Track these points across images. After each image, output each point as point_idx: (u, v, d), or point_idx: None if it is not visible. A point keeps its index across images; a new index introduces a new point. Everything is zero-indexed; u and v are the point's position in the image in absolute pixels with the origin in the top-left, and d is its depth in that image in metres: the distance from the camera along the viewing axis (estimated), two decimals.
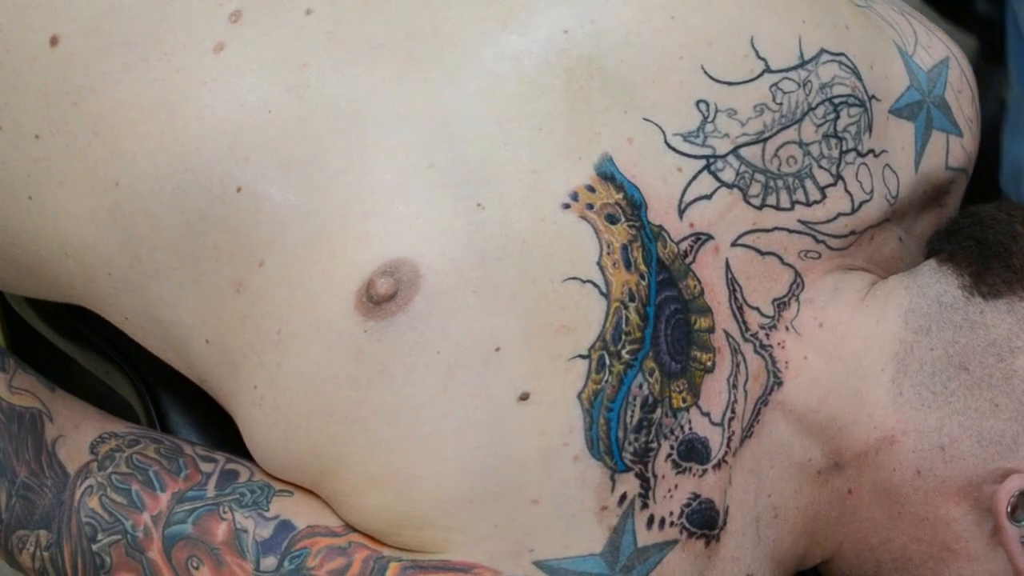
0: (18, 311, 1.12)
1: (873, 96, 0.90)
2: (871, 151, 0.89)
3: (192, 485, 0.86)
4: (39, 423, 0.91)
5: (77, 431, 0.91)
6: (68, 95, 0.84)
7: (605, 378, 0.80)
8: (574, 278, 0.81)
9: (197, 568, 0.84)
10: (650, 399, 0.82)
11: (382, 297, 0.79)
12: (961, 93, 0.95)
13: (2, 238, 0.90)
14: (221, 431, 0.89)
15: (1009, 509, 0.82)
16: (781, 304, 0.87)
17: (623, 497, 0.80)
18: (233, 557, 0.83)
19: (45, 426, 0.91)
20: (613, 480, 0.80)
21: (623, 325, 0.81)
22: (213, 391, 0.89)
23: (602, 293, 0.81)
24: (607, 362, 0.80)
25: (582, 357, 0.80)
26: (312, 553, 0.82)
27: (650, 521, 0.82)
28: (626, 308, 0.81)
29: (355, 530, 0.83)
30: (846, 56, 0.88)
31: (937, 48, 0.94)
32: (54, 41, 0.85)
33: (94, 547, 0.86)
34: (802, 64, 0.87)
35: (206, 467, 0.87)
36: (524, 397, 0.79)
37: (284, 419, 0.83)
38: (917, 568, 0.87)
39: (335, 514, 0.84)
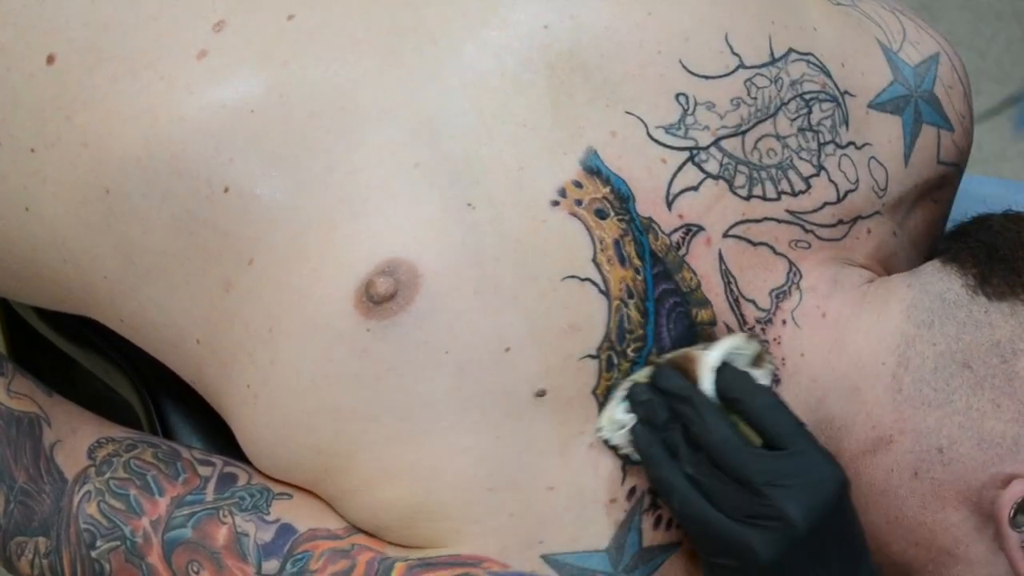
0: (19, 312, 1.12)
1: (846, 92, 0.90)
2: (851, 143, 0.89)
3: (191, 489, 0.86)
4: (37, 428, 0.91)
5: (75, 436, 0.92)
6: (62, 109, 0.85)
7: (615, 376, 0.81)
8: (572, 276, 0.81)
9: (198, 572, 0.84)
10: None
11: (383, 297, 0.80)
12: (952, 88, 0.95)
13: (1, 248, 0.90)
14: (222, 432, 0.89)
15: (1011, 514, 0.81)
16: (780, 294, 0.87)
17: (632, 491, 0.81)
18: (234, 561, 0.83)
19: (43, 431, 0.91)
20: (624, 471, 0.81)
21: (625, 323, 0.81)
22: (206, 392, 0.89)
23: (601, 291, 0.81)
24: (615, 361, 0.81)
25: (592, 357, 0.81)
26: (315, 556, 0.82)
27: (658, 521, 0.82)
28: (626, 306, 0.82)
29: (358, 531, 0.83)
30: (814, 55, 0.89)
31: (927, 44, 0.94)
32: (51, 59, 0.86)
33: (93, 554, 0.86)
34: (772, 62, 0.87)
35: (204, 471, 0.88)
36: (541, 394, 0.80)
37: (281, 417, 0.83)
38: (917, 572, 0.86)
39: (336, 516, 0.84)
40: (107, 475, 0.88)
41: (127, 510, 0.86)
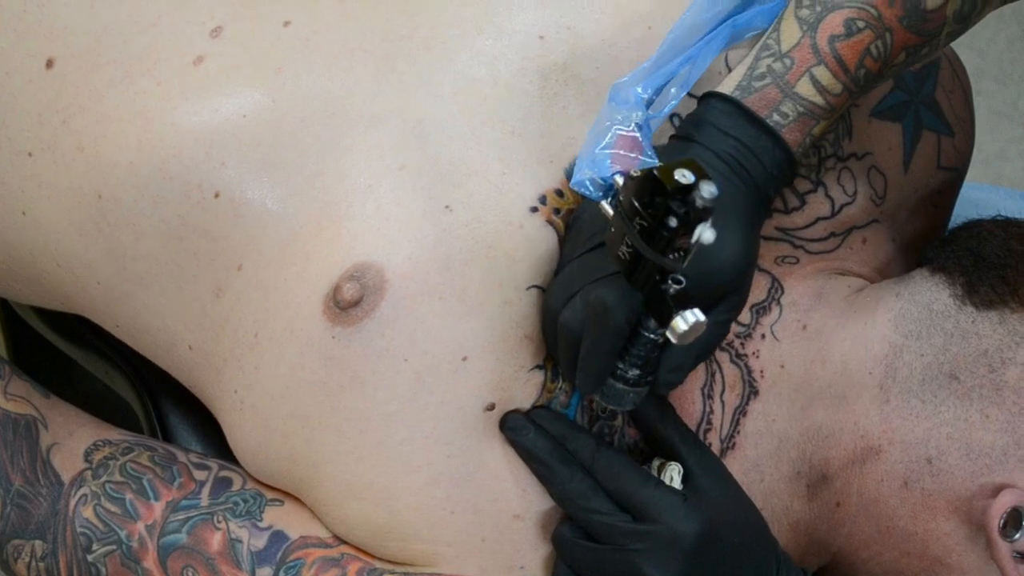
0: (20, 313, 1.13)
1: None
2: (852, 155, 0.89)
3: (186, 494, 0.86)
4: (34, 430, 0.91)
5: (71, 438, 0.92)
6: (58, 114, 0.86)
7: (559, 385, 0.81)
8: (536, 286, 0.81)
9: None
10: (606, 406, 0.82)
11: (348, 303, 0.79)
12: (952, 93, 0.94)
13: (0, 251, 0.90)
14: (220, 433, 0.89)
15: (1001, 524, 0.81)
16: (760, 310, 0.87)
17: None
18: (228, 567, 0.83)
19: (40, 433, 0.91)
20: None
21: None
22: (200, 396, 0.90)
23: None
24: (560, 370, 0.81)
25: (539, 368, 0.81)
26: (307, 564, 0.82)
27: None
28: None
29: (345, 541, 0.83)
30: None
31: None
32: (49, 64, 0.86)
33: (89, 557, 0.86)
34: None
35: (199, 475, 0.88)
36: (490, 408, 0.80)
37: (263, 423, 0.83)
38: None
39: (323, 525, 0.84)
40: (103, 478, 0.88)
41: (123, 514, 0.86)
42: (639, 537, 0.77)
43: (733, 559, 0.79)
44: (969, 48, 2.19)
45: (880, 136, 0.91)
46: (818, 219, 0.88)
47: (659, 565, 0.76)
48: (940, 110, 0.93)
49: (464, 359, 0.79)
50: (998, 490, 0.81)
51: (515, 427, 0.80)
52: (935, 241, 0.92)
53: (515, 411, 0.81)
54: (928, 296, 0.87)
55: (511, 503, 0.80)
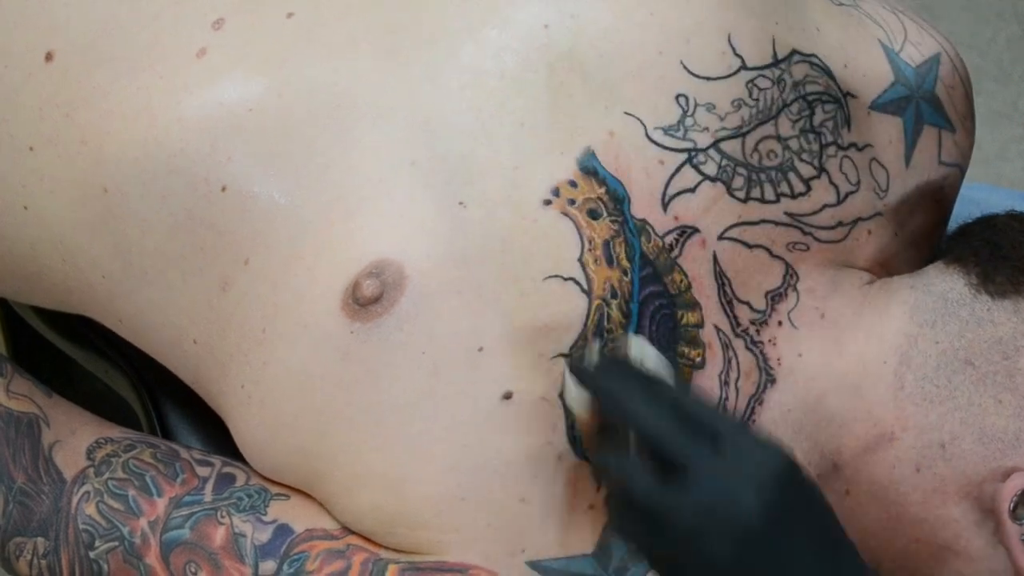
0: (19, 312, 1.12)
1: (848, 93, 0.90)
2: (853, 144, 0.89)
3: (189, 490, 0.86)
4: (36, 428, 0.91)
5: (74, 436, 0.91)
6: (60, 108, 0.86)
7: None
8: (555, 276, 0.81)
9: (195, 573, 0.84)
10: None
11: (368, 299, 0.80)
12: (953, 89, 0.95)
13: (0, 247, 0.90)
14: (221, 432, 0.89)
15: (1011, 506, 0.82)
16: (776, 296, 0.87)
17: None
18: (232, 561, 0.83)
19: (42, 431, 0.91)
20: (598, 478, 0.81)
21: (605, 323, 0.81)
22: (204, 393, 0.89)
23: (583, 291, 0.81)
24: None
25: (564, 356, 0.80)
26: (311, 557, 0.82)
27: None
28: (608, 305, 0.81)
29: (352, 532, 0.83)
30: (817, 57, 0.89)
31: (928, 44, 0.94)
32: (49, 57, 0.86)
33: (91, 554, 0.86)
34: (775, 63, 0.87)
35: (203, 471, 0.87)
36: (507, 396, 0.80)
37: (272, 418, 0.83)
38: (917, 568, 0.86)
39: (331, 517, 0.84)
40: (106, 475, 0.88)
41: (125, 510, 0.86)
42: (722, 459, 0.71)
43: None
44: (969, 48, 2.19)
45: (880, 129, 0.91)
46: (824, 206, 0.88)
47: (749, 489, 0.70)
48: (941, 106, 0.94)
49: (480, 350, 0.79)
50: (1009, 473, 0.82)
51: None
52: (949, 235, 0.93)
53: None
54: (943, 286, 0.87)
55: (520, 488, 0.80)
